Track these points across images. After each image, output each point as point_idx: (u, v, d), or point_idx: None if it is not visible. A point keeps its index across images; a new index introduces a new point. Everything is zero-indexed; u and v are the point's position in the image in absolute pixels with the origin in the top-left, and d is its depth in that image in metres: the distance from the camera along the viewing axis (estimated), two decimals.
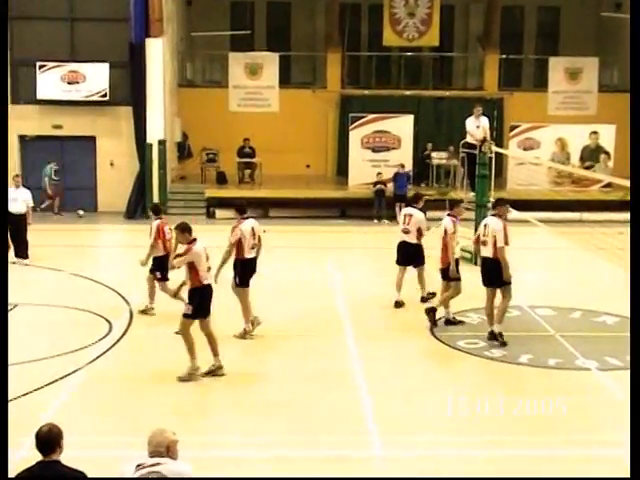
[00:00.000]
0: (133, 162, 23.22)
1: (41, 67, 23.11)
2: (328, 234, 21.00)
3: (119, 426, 8.11)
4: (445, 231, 11.63)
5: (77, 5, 23.61)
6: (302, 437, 7.86)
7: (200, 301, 9.34)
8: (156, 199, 23.07)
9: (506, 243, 10.69)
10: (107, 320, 11.90)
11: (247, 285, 11.23)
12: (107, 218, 22.63)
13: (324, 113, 26.99)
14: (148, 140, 22.91)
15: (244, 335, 11.20)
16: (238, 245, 11.02)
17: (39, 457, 4.93)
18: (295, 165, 25.95)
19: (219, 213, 23.24)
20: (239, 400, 8.85)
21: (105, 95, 23.21)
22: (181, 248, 9.76)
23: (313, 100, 26.80)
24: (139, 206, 23.07)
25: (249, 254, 11.12)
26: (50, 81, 23.16)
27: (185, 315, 9.36)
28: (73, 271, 15.21)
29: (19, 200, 16.11)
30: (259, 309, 13.01)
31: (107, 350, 10.65)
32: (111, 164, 23.75)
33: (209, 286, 9.49)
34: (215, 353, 9.55)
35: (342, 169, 25.86)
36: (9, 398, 8.72)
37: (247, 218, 11.28)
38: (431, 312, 11.70)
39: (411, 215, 13.10)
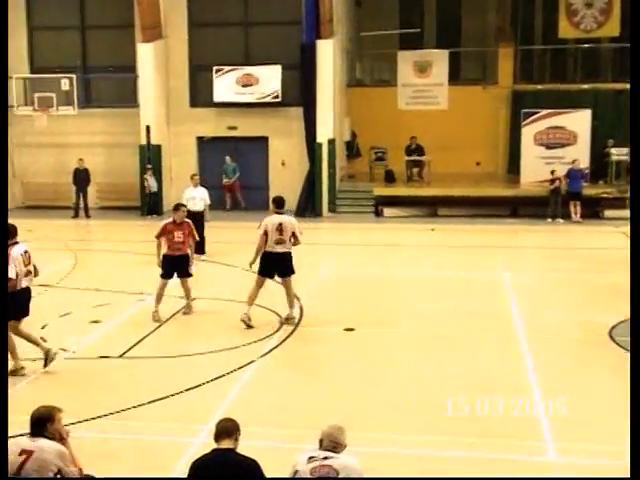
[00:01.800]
0: (303, 161, 23.68)
1: (217, 71, 24.03)
2: (499, 233, 20.50)
3: (289, 418, 8.25)
4: None
5: (251, 10, 24.36)
6: (471, 439, 7.67)
7: (16, 305, 9.28)
8: (325, 198, 23.44)
9: None
10: (278, 315, 12.17)
11: (262, 275, 11.71)
12: None
13: (495, 109, 26.38)
14: (318, 140, 23.30)
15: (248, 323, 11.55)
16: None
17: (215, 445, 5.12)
18: (465, 163, 25.54)
19: (387, 211, 23.26)
20: (406, 399, 8.77)
21: (277, 97, 23.81)
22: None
23: (483, 96, 26.26)
24: (309, 204, 23.50)
25: (271, 248, 11.56)
26: (226, 84, 24.03)
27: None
28: (247, 267, 15.65)
29: (197, 198, 16.78)
30: (427, 308, 12.90)
31: (279, 344, 10.89)
32: (282, 164, 24.34)
33: (27, 289, 9.48)
34: (15, 357, 9.51)
35: (514, 167, 25.17)
36: (189, 387, 9.12)
37: (281, 213, 11.78)
38: None
39: None
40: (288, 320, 11.81)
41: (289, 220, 11.79)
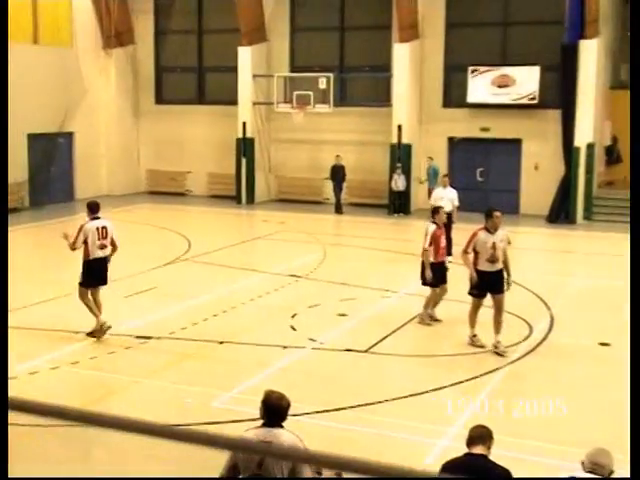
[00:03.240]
0: (558, 166, 22.65)
1: (473, 71, 23.62)
2: None
3: (538, 433, 7.79)
4: None
5: (511, 10, 23.71)
6: None
7: (89, 272, 10.36)
8: (580, 204, 22.30)
9: None
10: (527, 323, 11.64)
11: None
12: (528, 221, 22.34)
13: None
14: (576, 144, 22.17)
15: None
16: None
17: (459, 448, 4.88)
18: None
19: None
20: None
21: (534, 98, 22.95)
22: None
23: None
24: (562, 210, 22.45)
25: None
26: (480, 85, 23.56)
27: (79, 283, 10.50)
28: None
29: (445, 199, 16.50)
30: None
31: (527, 353, 10.39)
32: (535, 167, 23.44)
33: (100, 259, 10.42)
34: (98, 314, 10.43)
35: None
36: (434, 387, 8.93)
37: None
38: None
39: None
40: (497, 349, 10.20)
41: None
